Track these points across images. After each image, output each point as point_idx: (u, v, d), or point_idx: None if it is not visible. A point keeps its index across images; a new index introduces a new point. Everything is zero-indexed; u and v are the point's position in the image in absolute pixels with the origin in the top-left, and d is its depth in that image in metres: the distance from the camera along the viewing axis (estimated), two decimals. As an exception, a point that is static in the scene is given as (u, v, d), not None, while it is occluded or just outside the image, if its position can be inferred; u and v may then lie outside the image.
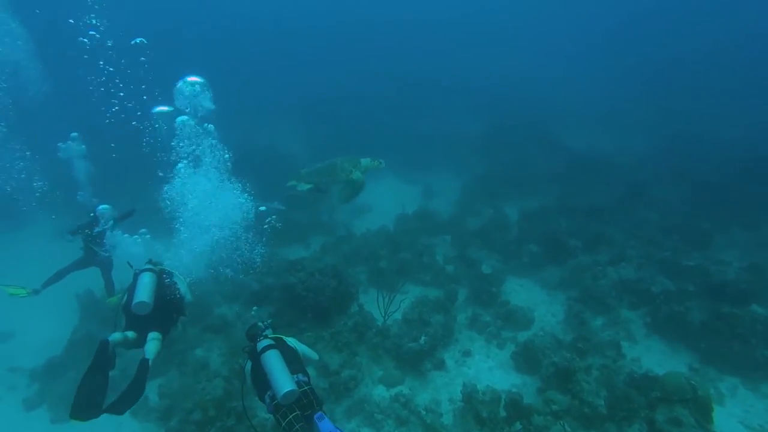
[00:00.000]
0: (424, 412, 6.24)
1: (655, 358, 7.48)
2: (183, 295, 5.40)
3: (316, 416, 3.99)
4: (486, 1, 39.80)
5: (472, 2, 39.92)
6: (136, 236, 6.63)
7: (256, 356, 4.33)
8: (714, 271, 8.85)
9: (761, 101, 26.08)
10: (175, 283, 5.40)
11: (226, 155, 6.35)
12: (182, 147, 6.08)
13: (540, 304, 9.38)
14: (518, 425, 5.52)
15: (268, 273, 10.92)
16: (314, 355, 4.89)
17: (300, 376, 4.23)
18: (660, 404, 5.63)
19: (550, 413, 5.60)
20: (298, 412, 4.02)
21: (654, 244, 10.44)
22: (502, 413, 5.85)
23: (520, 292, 9.92)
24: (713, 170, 15.56)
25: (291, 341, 4.68)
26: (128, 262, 5.58)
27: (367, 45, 43.53)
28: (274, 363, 4.13)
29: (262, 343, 4.41)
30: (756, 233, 11.71)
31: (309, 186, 7.24)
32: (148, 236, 6.61)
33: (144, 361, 4.40)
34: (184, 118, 6.12)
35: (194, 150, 6.11)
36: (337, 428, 3.92)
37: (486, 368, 7.51)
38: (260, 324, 4.79)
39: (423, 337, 7.46)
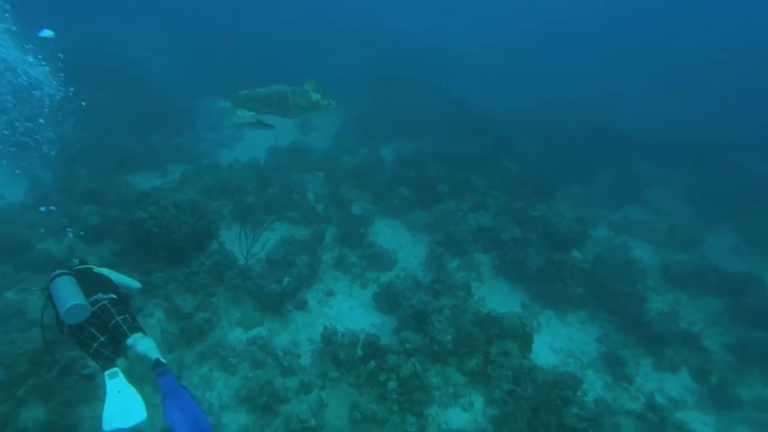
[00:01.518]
0: (281, 354, 6.12)
1: (498, 296, 8.41)
2: None
3: (156, 371, 3.45)
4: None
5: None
6: None
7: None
8: (553, 221, 10.09)
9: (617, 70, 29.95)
10: None
11: None
12: None
13: (405, 245, 9.76)
14: (373, 363, 5.72)
15: (111, 203, 9.48)
16: (134, 284, 4.31)
17: (101, 295, 3.70)
18: (496, 339, 6.34)
19: (403, 352, 5.90)
20: (102, 338, 3.51)
21: (510, 195, 11.44)
22: (359, 353, 6.02)
23: (387, 233, 10.18)
24: (567, 131, 17.48)
25: (103, 270, 4.11)
26: None
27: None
28: (59, 286, 3.60)
29: (54, 273, 3.78)
30: (587, 189, 13.64)
31: (251, 115, 5.97)
32: None
33: None
34: None
35: None
36: (181, 384, 3.50)
37: (347, 308, 7.63)
38: (74, 261, 4.11)
39: (286, 279, 7.21)
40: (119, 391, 3.20)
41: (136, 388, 3.32)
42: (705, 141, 17.79)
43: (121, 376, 3.30)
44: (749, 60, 33.61)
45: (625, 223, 11.92)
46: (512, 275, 8.91)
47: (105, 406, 3.10)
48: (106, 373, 3.29)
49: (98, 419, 3.05)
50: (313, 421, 4.95)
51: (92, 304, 3.60)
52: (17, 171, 11.25)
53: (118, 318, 3.63)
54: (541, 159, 15.18)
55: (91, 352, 3.49)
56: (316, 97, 6.57)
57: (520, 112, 19.96)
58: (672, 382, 6.81)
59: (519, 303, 8.30)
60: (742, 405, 6.67)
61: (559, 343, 7.45)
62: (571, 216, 10.88)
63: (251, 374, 5.71)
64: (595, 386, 6.46)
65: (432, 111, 17.68)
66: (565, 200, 12.75)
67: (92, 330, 3.54)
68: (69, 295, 3.53)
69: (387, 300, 7.54)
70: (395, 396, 5.38)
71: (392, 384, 5.46)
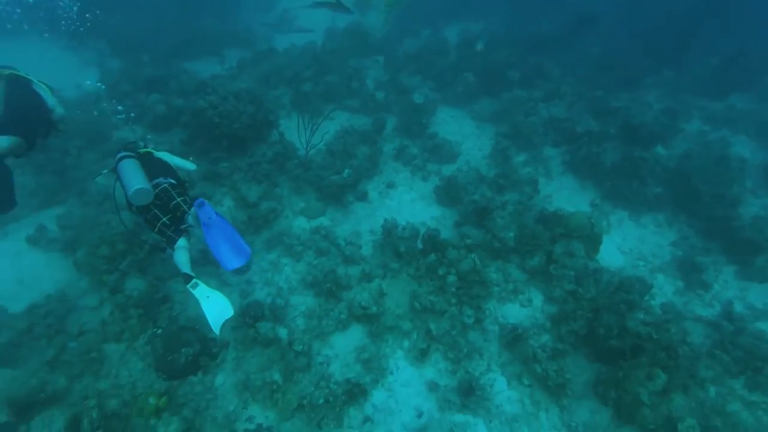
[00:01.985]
0: (343, 244, 6.31)
1: (566, 193, 7.95)
2: (51, 107, 4.59)
3: (196, 203, 3.79)
4: None
5: None
6: None
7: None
8: (636, 112, 8.99)
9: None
10: (36, 92, 4.47)
11: None
12: None
13: (469, 136, 9.25)
14: (432, 257, 5.77)
15: (174, 92, 9.55)
16: (190, 165, 4.66)
17: (162, 179, 4.05)
18: (561, 239, 6.10)
19: (463, 247, 5.86)
20: (164, 219, 3.95)
21: (588, 82, 10.22)
22: (419, 246, 6.06)
23: (451, 123, 9.64)
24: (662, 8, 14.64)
25: (162, 154, 4.46)
26: None
27: None
28: (125, 169, 3.94)
29: (120, 155, 4.12)
30: (683, 75, 11.81)
31: None
32: None
33: None
34: None
35: None
36: (218, 214, 3.79)
37: (408, 200, 7.56)
38: (140, 143, 4.56)
39: (347, 171, 7.15)
40: (208, 297, 3.71)
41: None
42: None
43: (202, 284, 3.76)
44: None
45: (728, 114, 10.24)
46: (583, 172, 8.28)
47: (205, 313, 3.64)
48: (188, 285, 3.74)
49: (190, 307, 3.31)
50: (374, 308, 5.20)
51: (154, 187, 3.92)
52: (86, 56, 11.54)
53: (179, 199, 3.98)
54: (629, 38, 13.06)
55: (156, 230, 3.96)
56: None
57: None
58: (757, 292, 6.33)
59: (588, 202, 7.82)
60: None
61: (629, 244, 7.06)
62: (660, 107, 9.63)
63: (316, 261, 5.99)
64: (665, 290, 6.19)
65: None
66: (654, 88, 11.21)
67: (156, 211, 3.95)
68: (135, 178, 3.83)
69: (448, 193, 7.36)
70: (454, 289, 5.47)
71: (451, 278, 5.52)
